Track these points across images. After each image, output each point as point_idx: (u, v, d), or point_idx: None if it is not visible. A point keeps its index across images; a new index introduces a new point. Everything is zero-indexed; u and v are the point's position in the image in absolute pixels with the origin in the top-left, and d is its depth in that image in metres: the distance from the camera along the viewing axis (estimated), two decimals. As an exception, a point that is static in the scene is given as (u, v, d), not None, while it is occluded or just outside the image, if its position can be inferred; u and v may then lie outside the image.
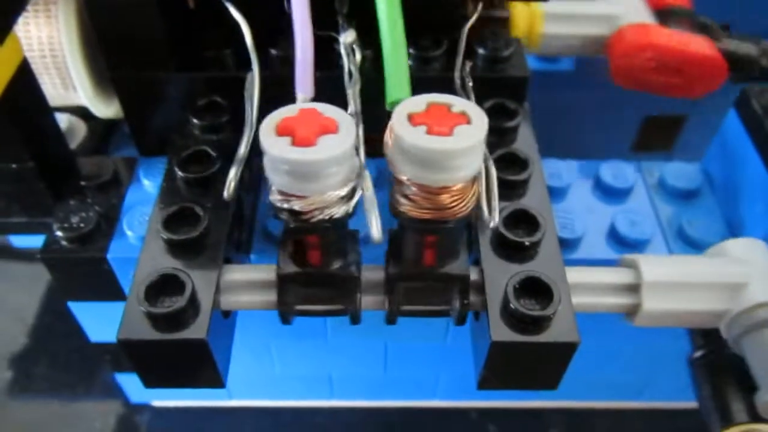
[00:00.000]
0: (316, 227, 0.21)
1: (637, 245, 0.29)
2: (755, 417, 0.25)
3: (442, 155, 0.19)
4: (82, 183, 0.29)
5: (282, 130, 0.19)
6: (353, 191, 0.20)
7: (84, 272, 0.28)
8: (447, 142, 0.18)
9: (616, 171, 0.31)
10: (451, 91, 0.27)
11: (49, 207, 0.29)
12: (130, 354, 0.22)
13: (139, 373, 0.24)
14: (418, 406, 0.40)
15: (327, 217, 0.20)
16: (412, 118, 0.19)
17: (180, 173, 0.26)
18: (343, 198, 0.20)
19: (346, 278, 0.23)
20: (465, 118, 0.19)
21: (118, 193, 0.30)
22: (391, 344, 0.35)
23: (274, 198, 0.20)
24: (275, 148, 0.19)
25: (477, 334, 0.25)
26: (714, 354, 0.28)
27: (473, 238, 0.25)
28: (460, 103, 0.20)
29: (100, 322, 0.32)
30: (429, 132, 0.19)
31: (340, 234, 0.22)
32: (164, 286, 0.22)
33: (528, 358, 0.23)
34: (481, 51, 0.29)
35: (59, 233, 0.27)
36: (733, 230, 0.29)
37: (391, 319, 0.24)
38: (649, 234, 0.29)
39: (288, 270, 0.23)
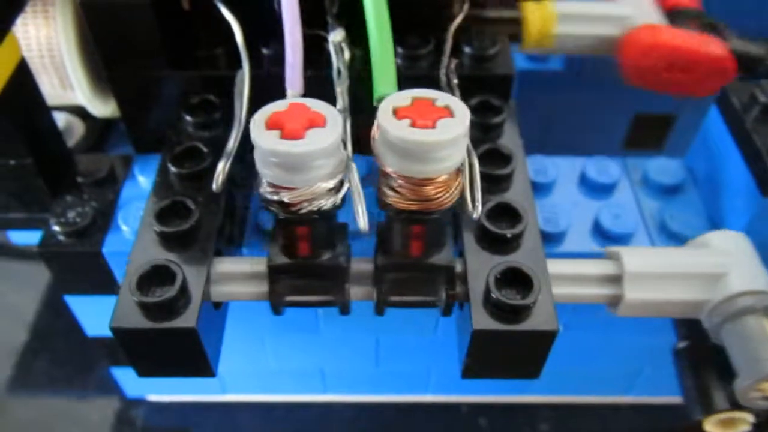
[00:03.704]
0: (305, 218, 0.21)
1: (620, 239, 0.29)
2: (736, 405, 0.26)
3: (425, 147, 0.19)
4: (79, 179, 0.30)
5: (272, 124, 0.20)
6: (341, 184, 0.21)
7: (80, 266, 0.29)
8: (430, 134, 0.19)
9: (600, 167, 0.32)
10: (438, 88, 0.28)
11: (46, 203, 0.30)
12: (123, 342, 0.23)
13: (132, 361, 0.24)
14: (409, 400, 0.41)
15: (315, 209, 0.21)
16: (397, 112, 0.20)
17: (173, 168, 0.27)
18: (331, 190, 0.21)
19: (335, 269, 0.24)
20: (448, 112, 0.20)
21: (113, 189, 0.30)
22: (383, 338, 0.35)
23: (264, 190, 0.21)
24: (265, 140, 0.19)
25: (461, 324, 0.25)
26: (697, 344, 0.28)
27: (457, 231, 0.26)
28: (443, 98, 0.21)
29: (96, 316, 0.33)
30: (413, 125, 0.19)
31: (329, 226, 0.23)
32: (156, 276, 0.23)
33: (509, 347, 0.23)
34: (467, 50, 0.30)
35: (56, 228, 0.28)
36: (715, 224, 0.30)
37: (379, 310, 0.25)
38: (633, 228, 0.29)
39: (278, 261, 0.23)
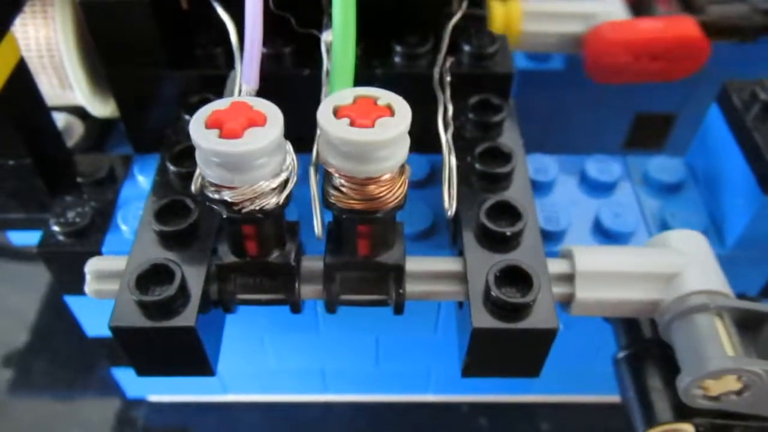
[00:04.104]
0: (248, 218, 0.21)
1: (620, 237, 0.29)
2: (679, 415, 0.25)
3: (363, 147, 0.19)
4: (79, 179, 0.30)
5: (211, 123, 0.20)
6: (285, 183, 0.21)
7: (80, 266, 0.29)
8: (367, 134, 0.19)
9: (601, 165, 0.32)
10: (429, 85, 0.28)
11: (46, 203, 0.30)
12: (122, 341, 0.23)
13: (131, 361, 0.24)
14: (410, 400, 0.41)
15: (257, 208, 0.20)
16: (338, 111, 0.20)
17: (172, 168, 0.26)
18: (274, 189, 0.21)
19: (283, 267, 0.23)
20: (389, 111, 0.20)
21: (113, 189, 0.30)
22: (383, 338, 0.35)
23: (207, 189, 0.21)
24: (203, 139, 0.19)
25: (461, 323, 0.25)
26: (638, 352, 0.28)
27: (457, 230, 0.26)
28: (386, 96, 0.20)
29: (96, 316, 0.33)
30: (352, 124, 0.19)
31: (276, 225, 0.23)
32: (155, 275, 0.23)
33: (509, 345, 0.23)
34: (466, 48, 0.29)
35: (56, 228, 0.28)
36: (716, 222, 0.30)
37: (330, 308, 0.25)
38: (633, 226, 0.29)
39: (227, 260, 0.23)
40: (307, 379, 0.39)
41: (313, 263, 0.24)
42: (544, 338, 0.23)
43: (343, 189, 0.21)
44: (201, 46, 0.30)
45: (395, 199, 0.21)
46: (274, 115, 0.20)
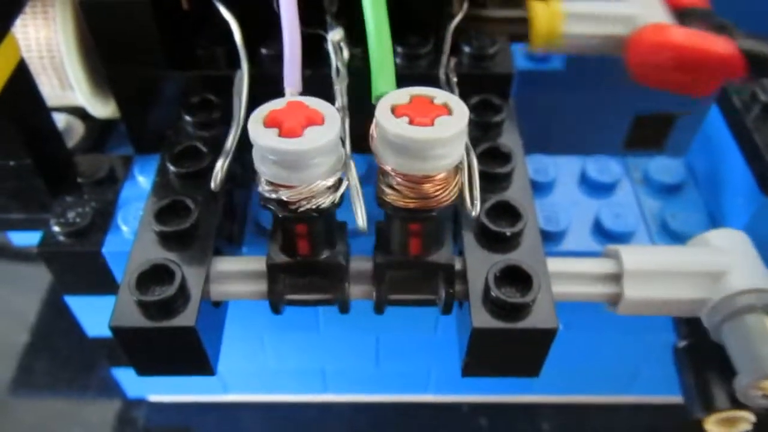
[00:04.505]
0: (304, 217, 0.21)
1: (620, 238, 0.29)
2: (737, 404, 0.26)
3: (423, 144, 0.19)
4: (79, 180, 0.30)
5: (270, 122, 0.20)
6: (339, 182, 0.21)
7: (80, 266, 0.29)
8: (428, 132, 0.19)
9: (601, 166, 0.32)
10: (437, 87, 0.28)
11: (46, 203, 0.30)
12: (122, 341, 0.23)
13: (132, 361, 0.24)
14: (410, 400, 0.41)
15: (314, 207, 0.21)
16: (395, 110, 0.20)
17: (172, 168, 0.27)
18: (329, 188, 0.21)
19: (334, 267, 0.24)
20: (446, 110, 0.20)
21: (113, 189, 0.30)
22: (383, 337, 0.35)
23: (263, 188, 0.21)
24: (263, 138, 0.19)
25: (461, 323, 0.25)
26: (698, 343, 0.28)
27: (457, 230, 0.26)
28: (442, 96, 0.21)
29: (97, 316, 0.33)
30: (411, 122, 0.19)
31: (328, 224, 0.23)
32: (155, 275, 0.23)
33: (509, 345, 0.23)
34: (467, 49, 0.30)
35: (56, 228, 0.28)
36: (716, 222, 0.30)
37: (379, 308, 0.25)
38: (633, 227, 0.29)
39: (278, 259, 0.23)
40: (308, 378, 0.39)
41: (362, 263, 0.24)
42: (544, 338, 0.23)
43: (399, 188, 0.21)
44: (202, 46, 0.30)
45: (450, 197, 0.21)
46: (331, 114, 0.20)
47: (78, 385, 0.42)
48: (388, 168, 0.20)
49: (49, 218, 0.28)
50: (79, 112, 0.34)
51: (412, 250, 0.23)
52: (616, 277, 0.25)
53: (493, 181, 0.26)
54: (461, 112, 0.20)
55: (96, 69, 0.32)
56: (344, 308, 0.25)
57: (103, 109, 0.33)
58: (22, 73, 0.27)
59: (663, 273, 0.25)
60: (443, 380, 0.39)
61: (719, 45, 0.31)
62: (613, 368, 0.38)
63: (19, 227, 0.31)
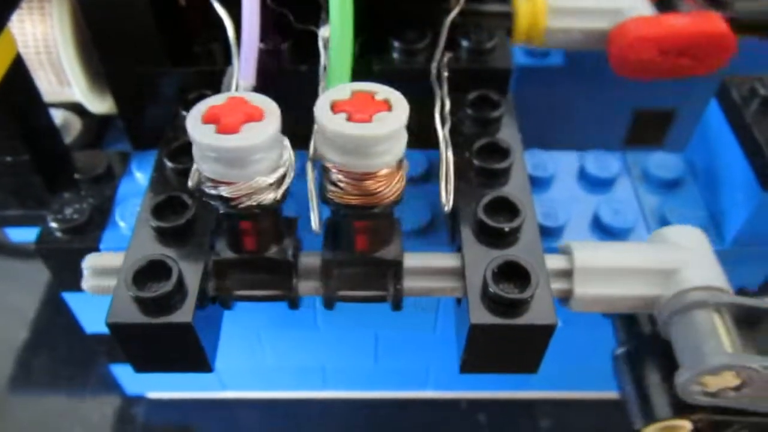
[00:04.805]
0: (245, 213, 0.21)
1: (619, 233, 0.29)
2: (677, 411, 0.25)
3: (359, 141, 0.19)
4: (77, 176, 0.30)
5: (208, 118, 0.19)
6: (282, 178, 0.21)
7: (78, 262, 0.29)
8: (364, 129, 0.19)
9: (600, 161, 0.32)
10: (428, 81, 0.28)
11: (44, 199, 0.30)
12: (119, 337, 0.23)
13: (129, 357, 0.24)
14: (409, 396, 0.41)
15: (255, 203, 0.20)
16: (335, 106, 0.20)
17: (169, 164, 0.26)
18: (271, 185, 0.20)
19: (281, 263, 0.23)
20: (386, 106, 0.20)
21: (111, 185, 0.30)
22: (382, 334, 0.35)
23: (204, 185, 0.20)
24: (200, 135, 0.19)
25: (459, 319, 0.25)
26: (636, 348, 0.28)
27: (456, 226, 0.26)
28: (384, 91, 0.20)
29: (94, 313, 0.33)
30: (350, 119, 0.19)
31: (274, 220, 0.23)
32: (152, 271, 0.23)
33: (507, 341, 0.23)
34: (465, 43, 0.29)
35: (54, 224, 0.28)
36: (715, 217, 0.30)
37: (327, 304, 0.25)
38: (632, 222, 0.29)
39: (224, 255, 0.23)
40: (306, 375, 0.39)
41: (311, 259, 0.24)
42: (543, 334, 0.23)
43: (341, 184, 0.20)
44: (199, 42, 0.29)
45: (393, 194, 0.21)
46: (271, 110, 0.20)
47: (77, 382, 0.42)
48: (329, 165, 0.20)
49: (47, 214, 0.28)
50: (76, 108, 0.34)
51: (358, 247, 0.23)
52: (567, 274, 0.25)
53: (491, 177, 0.26)
54: (401, 108, 0.20)
55: (93, 65, 0.31)
56: (293, 304, 0.24)
57: (100, 105, 0.33)
58: (19, 69, 0.27)
59: (615, 270, 0.25)
60: (442, 377, 0.39)
61: (704, 24, 0.31)
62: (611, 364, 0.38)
63: (17, 223, 0.31)
